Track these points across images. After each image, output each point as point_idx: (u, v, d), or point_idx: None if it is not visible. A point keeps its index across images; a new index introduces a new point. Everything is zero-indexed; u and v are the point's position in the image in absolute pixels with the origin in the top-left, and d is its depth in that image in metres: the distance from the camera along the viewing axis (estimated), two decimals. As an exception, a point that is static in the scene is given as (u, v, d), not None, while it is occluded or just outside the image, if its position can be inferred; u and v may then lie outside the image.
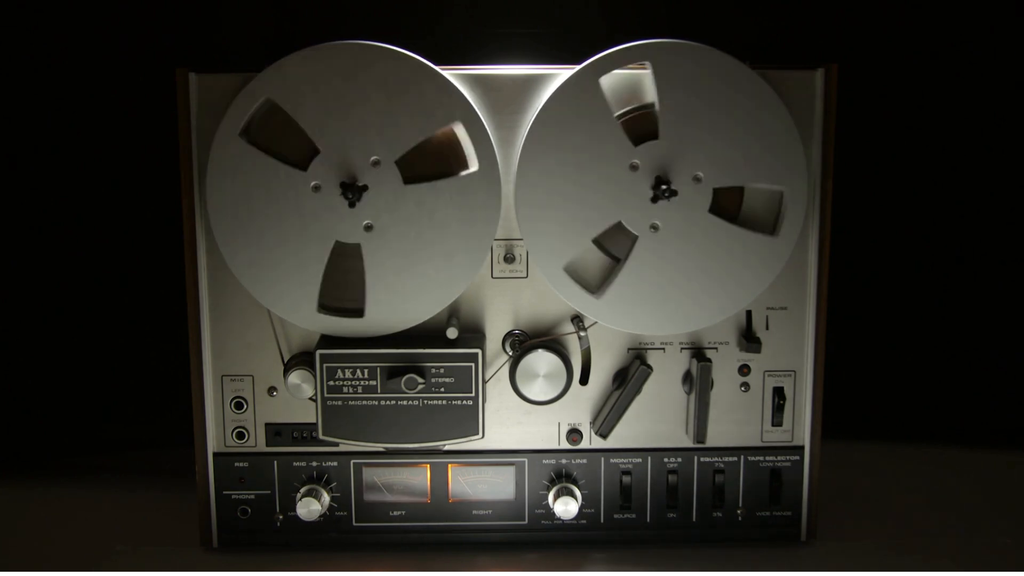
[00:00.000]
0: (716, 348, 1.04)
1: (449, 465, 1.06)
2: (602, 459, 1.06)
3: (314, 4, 1.36)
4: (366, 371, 0.98)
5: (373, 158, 0.95)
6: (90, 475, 1.27)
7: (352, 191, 0.94)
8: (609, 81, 0.96)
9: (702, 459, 1.06)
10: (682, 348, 1.04)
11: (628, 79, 0.97)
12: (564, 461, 1.06)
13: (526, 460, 1.06)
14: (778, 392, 1.05)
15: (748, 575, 1.00)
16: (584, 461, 1.06)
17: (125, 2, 1.32)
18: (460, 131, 0.96)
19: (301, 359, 1.01)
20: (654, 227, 0.97)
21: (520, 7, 1.35)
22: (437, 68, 0.95)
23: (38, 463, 1.32)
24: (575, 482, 1.06)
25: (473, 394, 0.98)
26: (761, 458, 1.06)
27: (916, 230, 1.44)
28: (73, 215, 1.38)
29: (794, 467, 1.06)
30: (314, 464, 1.05)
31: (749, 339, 1.02)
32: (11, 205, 1.37)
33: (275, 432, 1.04)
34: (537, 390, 1.01)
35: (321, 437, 0.99)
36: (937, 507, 1.18)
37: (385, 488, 1.06)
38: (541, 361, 1.01)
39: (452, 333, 0.99)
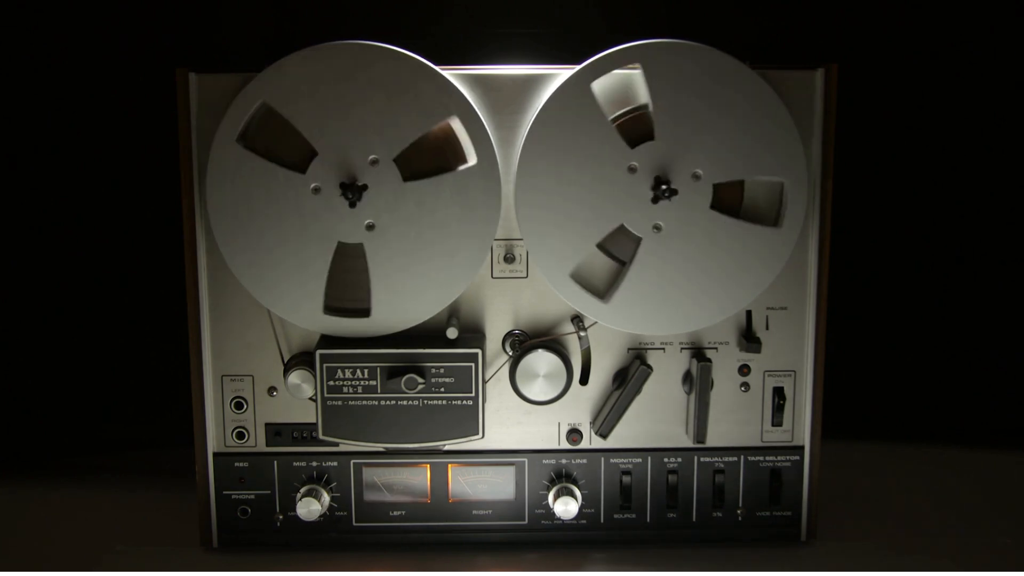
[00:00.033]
0: (716, 348, 1.04)
1: (449, 465, 1.06)
2: (602, 459, 1.06)
3: (314, 4, 1.36)
4: (366, 371, 0.98)
5: (371, 157, 0.95)
6: (90, 475, 1.27)
7: (352, 191, 0.94)
8: (608, 82, 0.96)
9: (702, 459, 1.06)
10: (682, 348, 1.04)
11: (628, 79, 0.97)
12: (564, 461, 1.06)
13: (526, 460, 1.06)
14: (778, 392, 1.05)
15: (748, 575, 1.00)
16: (584, 461, 1.06)
17: (125, 2, 1.32)
18: (457, 125, 0.96)
19: (301, 359, 1.01)
20: (657, 228, 0.97)
21: (520, 7, 1.35)
22: (437, 68, 0.95)
23: (38, 463, 1.32)
24: (575, 482, 1.05)
25: (473, 394, 0.98)
26: (761, 458, 1.06)
27: (916, 230, 1.44)
28: (73, 215, 1.37)
29: (794, 467, 1.06)
30: (314, 464, 1.05)
31: (749, 339, 1.02)
32: (11, 205, 1.37)
33: (275, 432, 1.04)
34: (537, 390, 1.01)
35: (321, 437, 0.99)
36: (937, 507, 1.18)
37: (385, 488, 1.06)
38: (541, 361, 1.01)
39: (452, 333, 0.99)
